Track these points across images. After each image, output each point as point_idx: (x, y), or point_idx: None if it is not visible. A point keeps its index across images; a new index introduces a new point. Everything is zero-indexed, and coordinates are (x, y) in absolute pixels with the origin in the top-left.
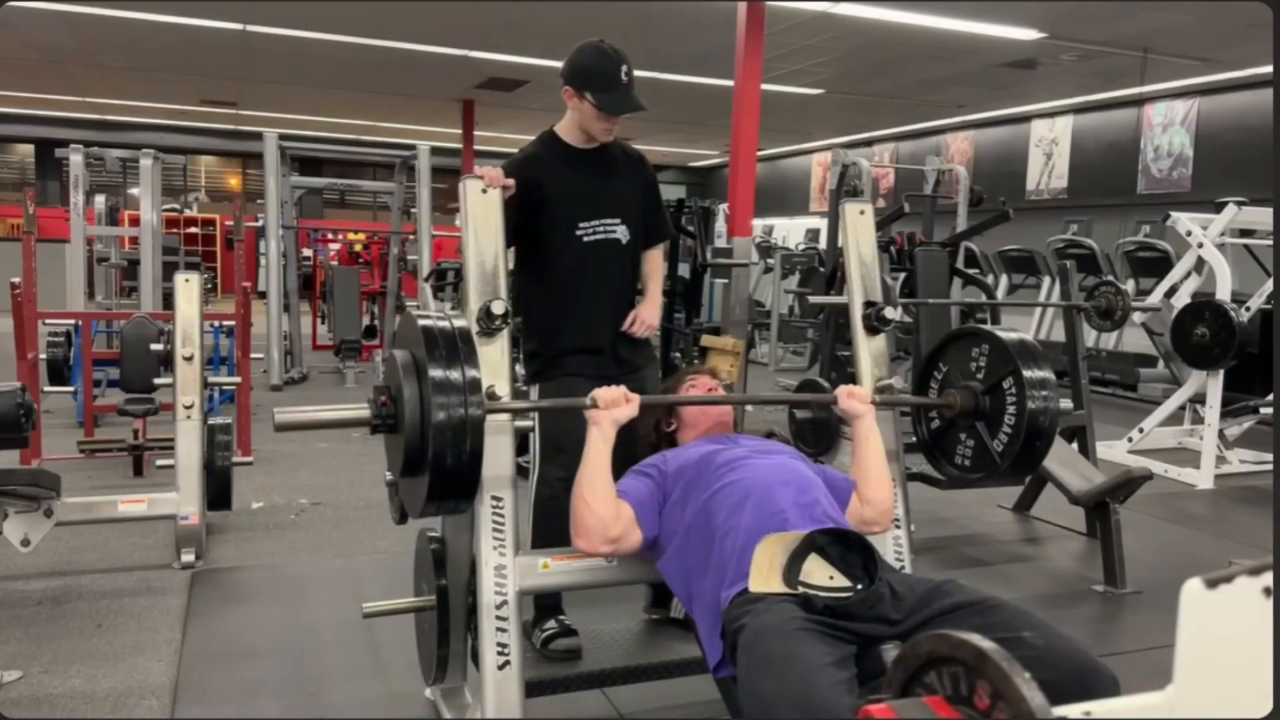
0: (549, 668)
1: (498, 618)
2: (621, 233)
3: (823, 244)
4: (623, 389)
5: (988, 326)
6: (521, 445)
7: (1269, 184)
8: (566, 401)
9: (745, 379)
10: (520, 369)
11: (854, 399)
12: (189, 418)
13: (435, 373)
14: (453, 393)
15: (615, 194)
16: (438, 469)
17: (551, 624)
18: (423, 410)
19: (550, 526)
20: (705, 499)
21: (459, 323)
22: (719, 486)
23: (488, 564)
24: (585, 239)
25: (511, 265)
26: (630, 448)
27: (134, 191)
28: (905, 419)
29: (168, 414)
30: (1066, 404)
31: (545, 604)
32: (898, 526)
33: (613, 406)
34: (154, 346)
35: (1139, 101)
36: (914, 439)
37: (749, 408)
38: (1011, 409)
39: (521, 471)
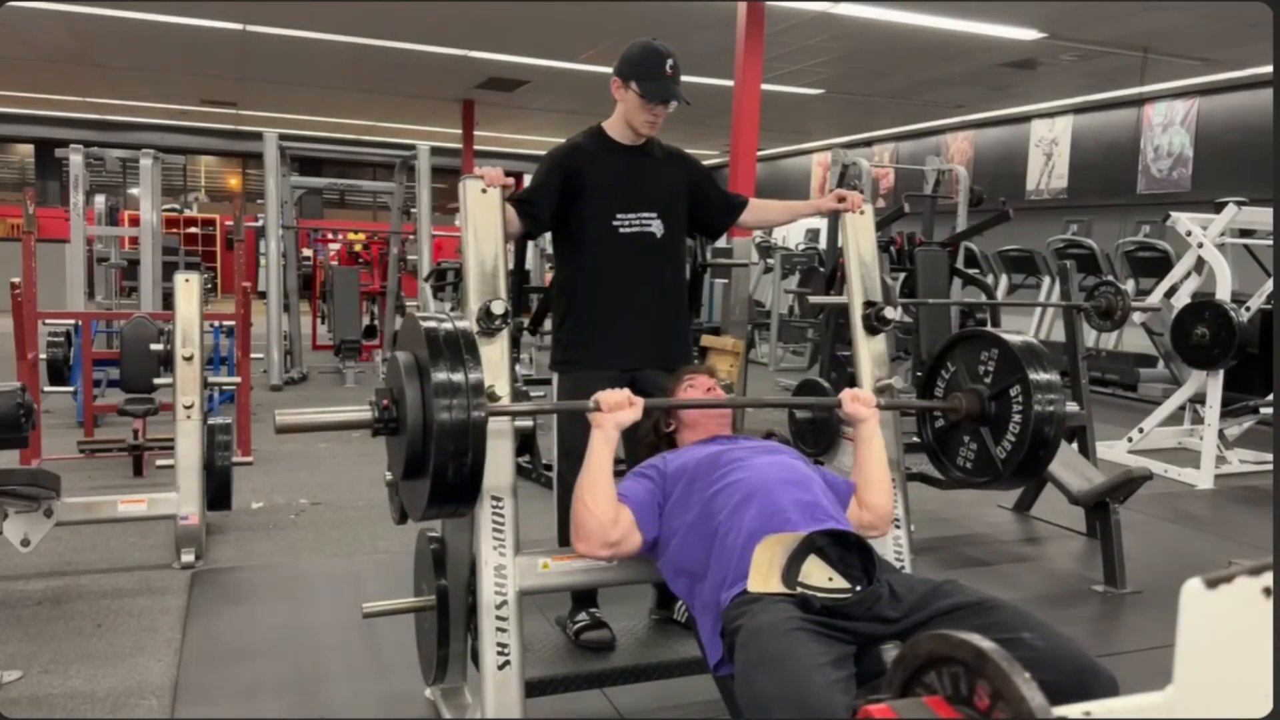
0: (549, 668)
1: (498, 618)
2: (657, 227)
3: (823, 244)
4: (626, 392)
5: (996, 330)
6: (522, 446)
7: (1269, 184)
8: (569, 405)
9: (745, 379)
10: (520, 369)
11: (858, 403)
12: (189, 418)
13: (438, 375)
14: (455, 395)
15: (654, 188)
16: (440, 473)
17: (583, 616)
18: (425, 413)
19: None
20: (706, 499)
21: (461, 324)
22: (719, 487)
23: (487, 564)
24: (621, 230)
25: (512, 265)
26: (630, 448)
27: (134, 191)
28: (907, 419)
29: (168, 414)
30: (1073, 407)
31: (579, 595)
32: (898, 527)
33: (616, 410)
34: (154, 346)
35: (1139, 101)
36: (916, 439)
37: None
38: (1017, 416)
39: (522, 472)
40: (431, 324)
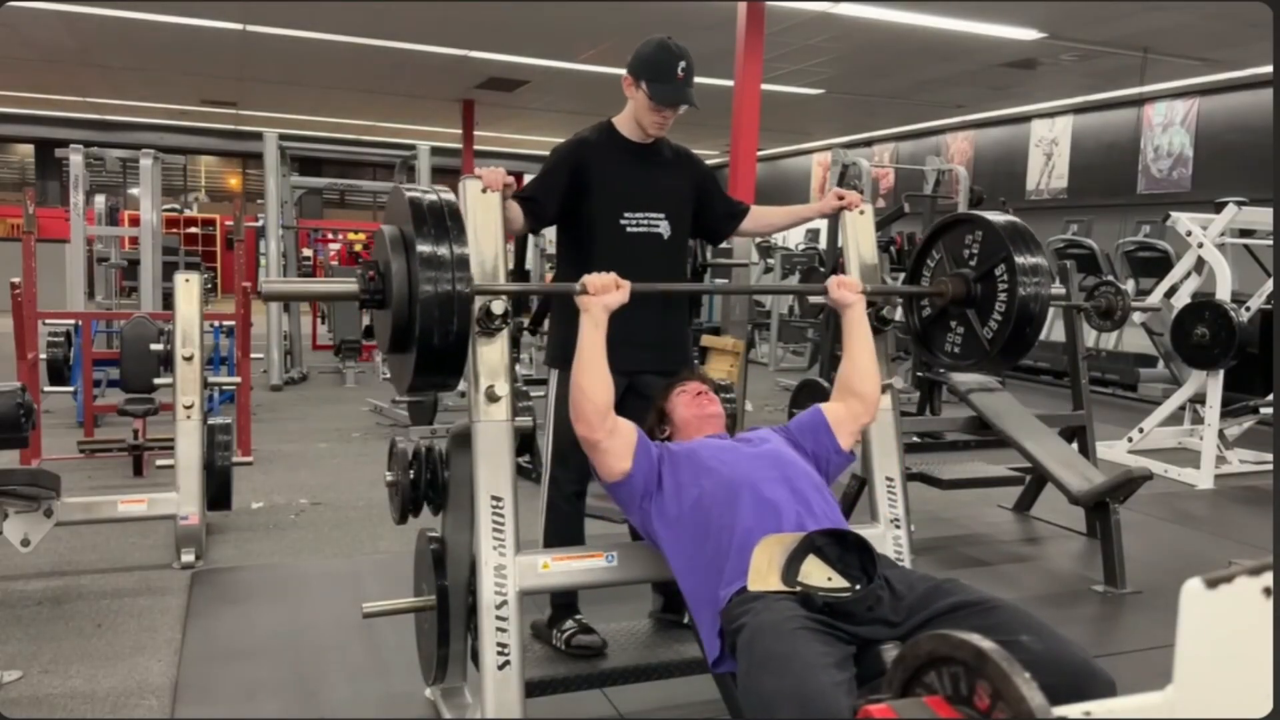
0: (549, 668)
1: (498, 618)
2: (664, 228)
3: (823, 244)
4: (613, 275)
5: (980, 212)
6: (522, 446)
7: (1269, 184)
8: (560, 287)
9: (745, 379)
10: (520, 369)
11: (844, 288)
12: (189, 418)
13: (423, 248)
14: (440, 268)
15: (662, 188)
16: (425, 344)
17: (570, 623)
18: (410, 285)
19: (562, 532)
20: (698, 495)
21: (447, 196)
22: (711, 482)
23: (487, 564)
24: (629, 229)
25: (512, 265)
26: None
27: (134, 191)
28: (907, 417)
29: (168, 414)
30: (1059, 289)
31: (561, 603)
32: (897, 527)
33: (603, 292)
34: (154, 346)
35: (1139, 101)
36: (915, 439)
37: (749, 407)
38: (1003, 296)
39: (522, 472)
40: (416, 194)
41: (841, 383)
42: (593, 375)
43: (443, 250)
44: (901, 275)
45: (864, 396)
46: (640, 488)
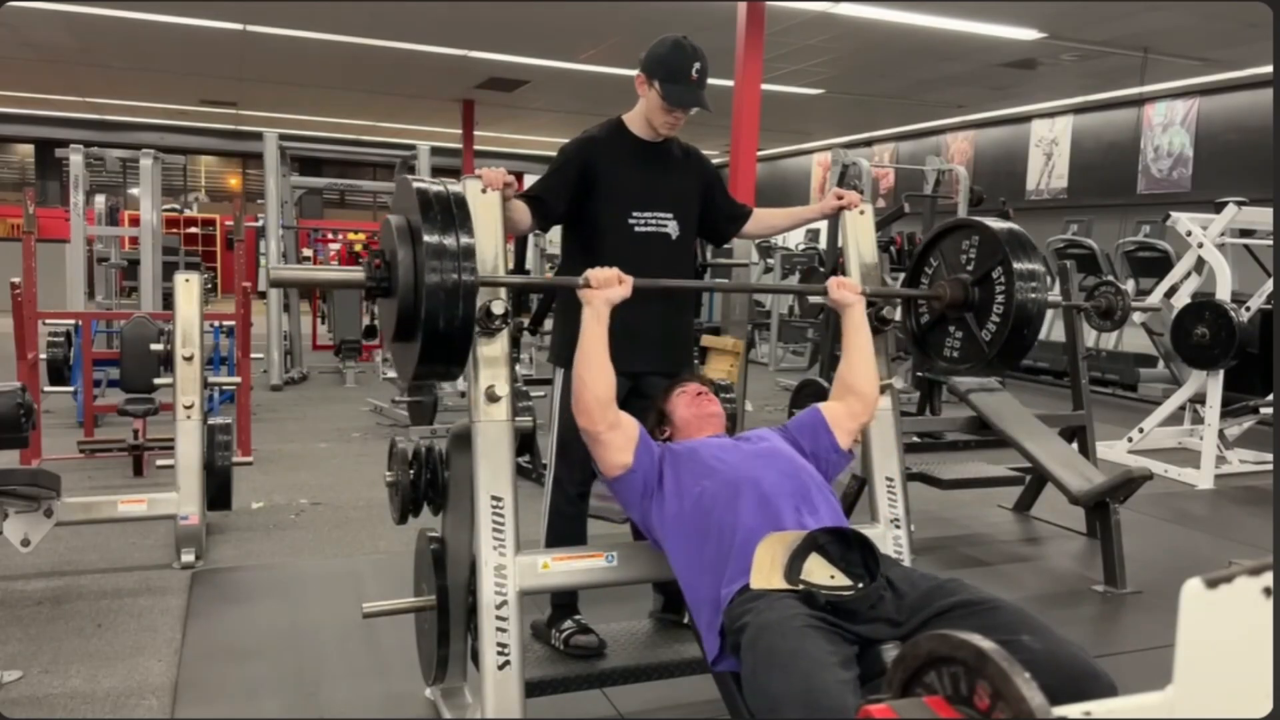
0: (549, 668)
1: (498, 618)
2: (673, 228)
3: (823, 244)
4: (615, 270)
5: (977, 218)
6: (522, 446)
7: (1269, 184)
8: (562, 280)
9: (745, 379)
10: (520, 369)
11: (844, 289)
12: (189, 418)
13: (429, 238)
14: (446, 258)
15: (671, 188)
16: (430, 331)
17: (569, 624)
18: (416, 274)
19: (564, 533)
20: (699, 493)
21: (454, 188)
22: (713, 481)
23: (488, 564)
24: (637, 229)
25: (512, 265)
26: None
27: (134, 191)
28: (905, 425)
29: (168, 414)
30: (1055, 296)
31: (561, 603)
32: (897, 527)
33: (605, 286)
34: (154, 346)
35: (1139, 101)
36: (915, 439)
37: (749, 407)
38: (1000, 298)
39: (522, 472)
40: (423, 185)
41: (840, 381)
42: (594, 367)
43: (449, 240)
44: (901, 276)
45: (863, 395)
46: (641, 484)
